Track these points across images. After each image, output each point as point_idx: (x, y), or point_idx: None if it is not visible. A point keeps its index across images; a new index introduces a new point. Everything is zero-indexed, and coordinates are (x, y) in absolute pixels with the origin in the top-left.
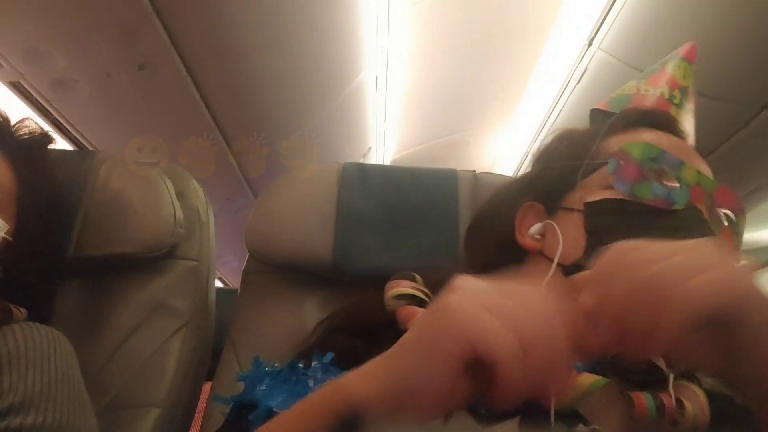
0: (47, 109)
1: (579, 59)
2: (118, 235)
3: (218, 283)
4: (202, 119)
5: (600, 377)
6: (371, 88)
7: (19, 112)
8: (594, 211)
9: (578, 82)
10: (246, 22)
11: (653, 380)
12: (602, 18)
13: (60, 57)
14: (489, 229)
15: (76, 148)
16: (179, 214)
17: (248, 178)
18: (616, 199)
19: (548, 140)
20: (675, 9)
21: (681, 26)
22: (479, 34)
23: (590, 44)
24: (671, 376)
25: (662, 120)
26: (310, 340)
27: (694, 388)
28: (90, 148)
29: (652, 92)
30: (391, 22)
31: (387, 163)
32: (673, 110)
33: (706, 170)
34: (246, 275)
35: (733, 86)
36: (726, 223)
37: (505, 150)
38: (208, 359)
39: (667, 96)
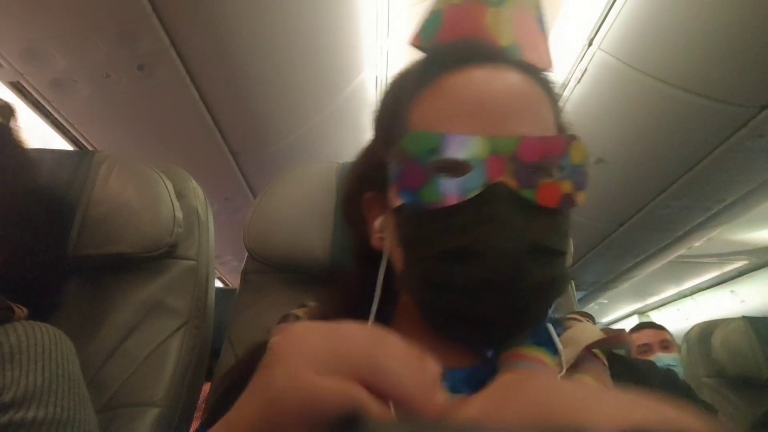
0: (47, 109)
1: (579, 59)
2: (117, 234)
3: (218, 283)
4: (202, 119)
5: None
6: (371, 88)
7: (18, 112)
8: (398, 220)
9: (578, 82)
10: (245, 22)
11: None
12: (602, 18)
13: (59, 57)
14: (349, 228)
15: (76, 148)
16: (178, 213)
17: (247, 178)
18: (409, 209)
19: (380, 98)
20: (675, 9)
21: (681, 26)
22: None
23: (590, 44)
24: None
25: (470, 52)
26: (210, 400)
27: (585, 379)
28: (89, 148)
29: None
30: (391, 22)
31: None
32: (489, 15)
33: (516, 114)
34: (245, 275)
35: (731, 87)
36: (553, 176)
37: None
38: (207, 359)
39: None
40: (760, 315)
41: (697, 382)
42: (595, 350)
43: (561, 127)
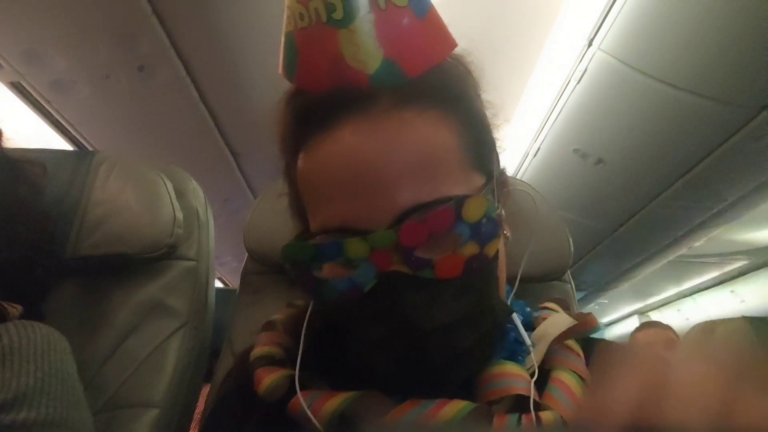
0: (47, 110)
1: (579, 59)
2: (116, 235)
3: (218, 284)
4: (201, 119)
5: (468, 402)
6: None
7: (19, 112)
8: (313, 306)
9: (578, 83)
10: (245, 22)
11: (525, 405)
12: (602, 18)
13: (59, 58)
14: None
15: (75, 148)
16: (178, 214)
17: (247, 179)
18: (318, 303)
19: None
20: (675, 9)
21: (681, 26)
22: (477, 34)
23: (590, 44)
24: (532, 395)
25: (333, 104)
26: (205, 410)
27: (567, 380)
28: (89, 148)
29: (306, 16)
30: None
31: None
32: (343, 38)
33: (397, 179)
34: (245, 275)
35: (731, 88)
36: (451, 245)
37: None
38: (206, 359)
39: (324, 17)
40: (760, 315)
41: None
42: (569, 340)
43: (480, 128)
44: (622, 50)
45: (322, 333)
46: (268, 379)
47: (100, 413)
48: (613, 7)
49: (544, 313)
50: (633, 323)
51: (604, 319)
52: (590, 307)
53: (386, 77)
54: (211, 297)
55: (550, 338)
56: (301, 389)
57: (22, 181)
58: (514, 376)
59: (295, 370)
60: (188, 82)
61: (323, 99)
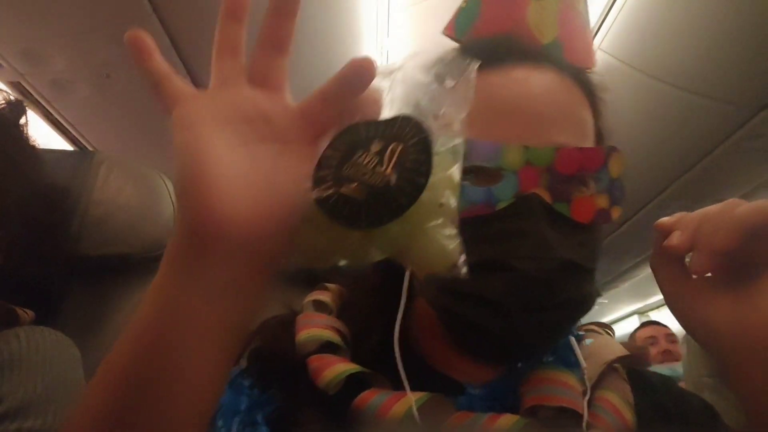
0: (47, 109)
1: None
2: (117, 235)
3: None
4: None
5: (519, 417)
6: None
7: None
8: None
9: None
10: (245, 22)
11: (567, 419)
12: (602, 18)
13: (59, 57)
14: None
15: (76, 148)
16: None
17: None
18: None
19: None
20: (675, 9)
21: (681, 27)
22: None
23: None
24: (585, 413)
25: (508, 48)
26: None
27: (617, 402)
28: (89, 148)
29: None
30: (391, 22)
31: None
32: (532, 9)
33: (553, 121)
34: None
35: (730, 87)
36: (588, 189)
37: None
38: None
39: None
40: None
41: (697, 382)
42: (616, 365)
43: (600, 134)
44: (622, 50)
45: (380, 320)
46: (331, 372)
47: None
48: (613, 7)
49: (589, 335)
50: (633, 323)
51: (604, 320)
52: None
53: (553, 52)
54: None
55: (603, 360)
56: (363, 386)
57: (31, 182)
58: (566, 387)
59: (352, 361)
60: (189, 81)
61: (499, 42)
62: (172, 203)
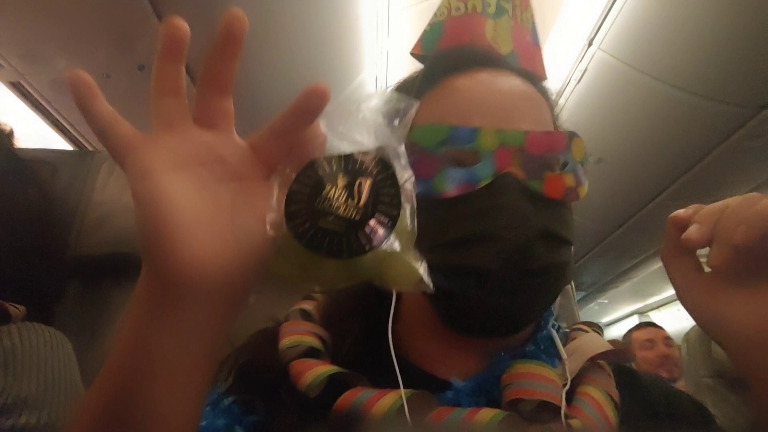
0: (47, 109)
1: (579, 59)
2: (117, 235)
3: None
4: None
5: (499, 411)
6: (371, 87)
7: (19, 112)
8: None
9: (578, 82)
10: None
11: (548, 412)
12: (602, 18)
13: (60, 58)
14: None
15: (76, 148)
16: None
17: None
18: (422, 200)
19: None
20: (675, 9)
21: (680, 26)
22: None
23: (590, 44)
24: (563, 405)
25: (473, 56)
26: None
27: (597, 396)
28: (89, 148)
29: (462, 8)
30: (391, 23)
31: None
32: (489, 26)
33: (520, 113)
34: None
35: (730, 87)
36: (556, 170)
37: None
38: None
39: (480, 8)
40: None
41: (697, 382)
42: (600, 361)
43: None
44: (622, 50)
45: (358, 321)
46: (310, 375)
47: None
48: (613, 7)
49: (576, 333)
50: (633, 323)
51: (604, 319)
52: (590, 308)
53: (510, 61)
54: None
55: (586, 354)
56: (341, 385)
57: (32, 183)
58: (546, 380)
59: (332, 364)
60: (188, 81)
61: (464, 51)
62: None
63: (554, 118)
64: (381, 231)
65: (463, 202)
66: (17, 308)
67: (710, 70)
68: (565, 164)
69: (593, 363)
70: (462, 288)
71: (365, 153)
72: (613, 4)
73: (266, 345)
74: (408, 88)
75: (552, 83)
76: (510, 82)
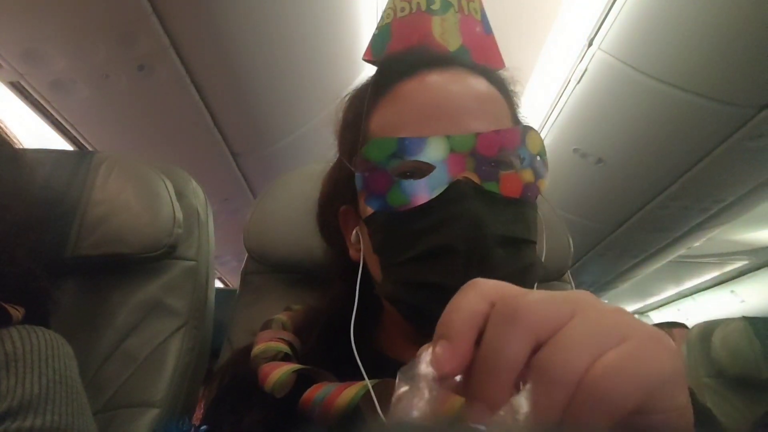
0: (47, 109)
1: (579, 59)
2: (116, 234)
3: (218, 284)
4: (201, 119)
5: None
6: None
7: (19, 112)
8: (370, 228)
9: (578, 83)
10: (245, 22)
11: None
12: (602, 18)
13: (59, 57)
14: (327, 243)
15: (75, 148)
16: (178, 214)
17: (247, 179)
18: (380, 216)
19: (340, 114)
20: (675, 9)
21: (680, 26)
22: None
23: (590, 44)
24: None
25: (421, 58)
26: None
27: None
28: (89, 148)
29: (407, 8)
30: None
31: None
32: (435, 23)
33: (470, 114)
34: (245, 275)
35: (731, 87)
36: (513, 167)
37: None
38: (206, 360)
39: (424, 6)
40: (760, 315)
41: (697, 383)
42: None
43: (517, 122)
44: (622, 50)
45: (329, 330)
46: (275, 374)
47: (100, 413)
48: (613, 7)
49: None
50: None
51: None
52: None
53: (461, 56)
54: (211, 297)
55: None
56: (310, 383)
57: (31, 182)
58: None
59: (300, 365)
60: (188, 81)
61: (412, 54)
62: (172, 203)
63: (514, 110)
64: None
65: (418, 214)
66: (17, 309)
67: (710, 70)
68: (521, 159)
69: None
70: (425, 302)
71: None
72: (613, 4)
73: (242, 358)
74: (361, 96)
75: (552, 83)
76: (460, 82)
